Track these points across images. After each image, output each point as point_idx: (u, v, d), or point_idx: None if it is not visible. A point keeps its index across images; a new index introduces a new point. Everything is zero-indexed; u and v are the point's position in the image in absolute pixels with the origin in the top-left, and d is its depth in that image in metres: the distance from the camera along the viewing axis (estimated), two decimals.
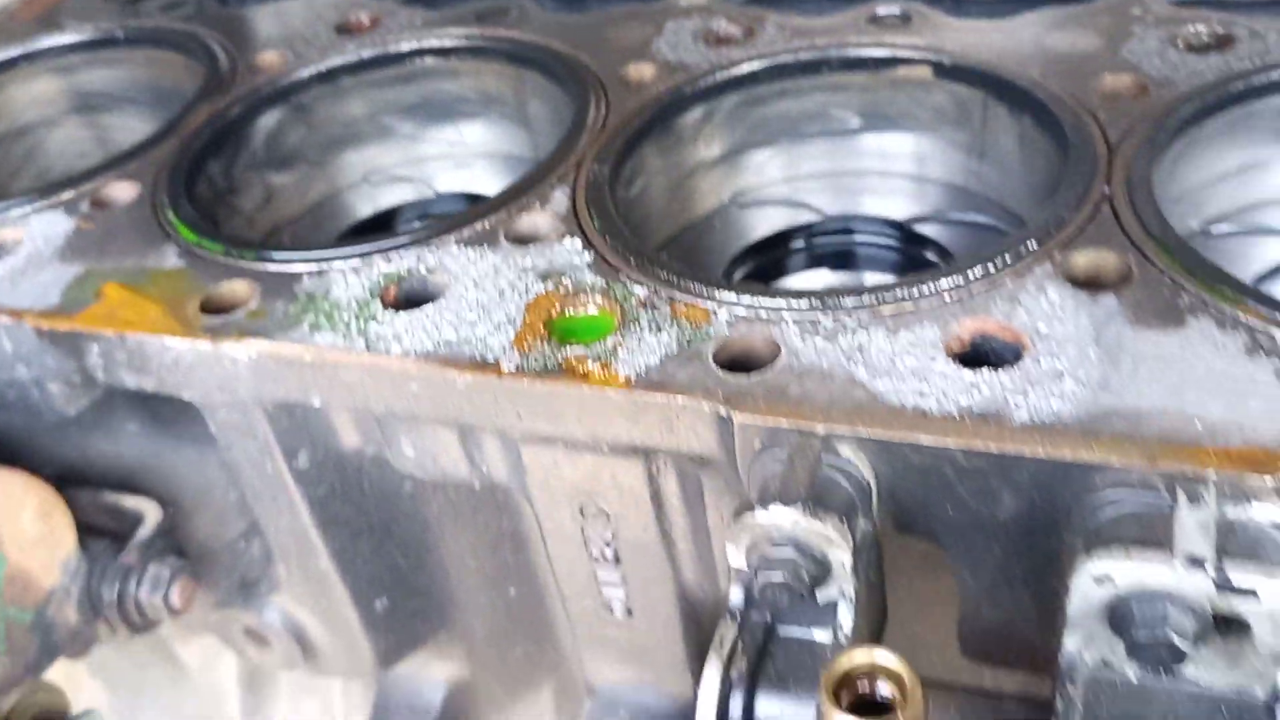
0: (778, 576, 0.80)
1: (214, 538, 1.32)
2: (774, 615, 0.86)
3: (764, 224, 1.31)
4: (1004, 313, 0.90)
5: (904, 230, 1.27)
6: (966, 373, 0.86)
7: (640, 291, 1.00)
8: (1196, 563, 0.70)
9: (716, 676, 0.83)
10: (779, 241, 1.30)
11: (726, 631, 0.84)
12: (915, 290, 0.93)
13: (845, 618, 0.83)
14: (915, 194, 1.29)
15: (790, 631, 0.85)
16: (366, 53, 1.48)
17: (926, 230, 1.26)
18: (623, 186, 1.17)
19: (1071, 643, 0.76)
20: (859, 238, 1.29)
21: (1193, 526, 0.72)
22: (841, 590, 0.82)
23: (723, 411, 0.87)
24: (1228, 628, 0.72)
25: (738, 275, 1.29)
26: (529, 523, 1.16)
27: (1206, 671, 0.74)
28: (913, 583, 0.95)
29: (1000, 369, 0.86)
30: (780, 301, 0.95)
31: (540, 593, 1.26)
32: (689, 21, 1.38)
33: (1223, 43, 1.14)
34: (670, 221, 1.28)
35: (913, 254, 1.27)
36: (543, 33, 1.42)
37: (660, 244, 1.27)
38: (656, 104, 1.23)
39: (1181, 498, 0.74)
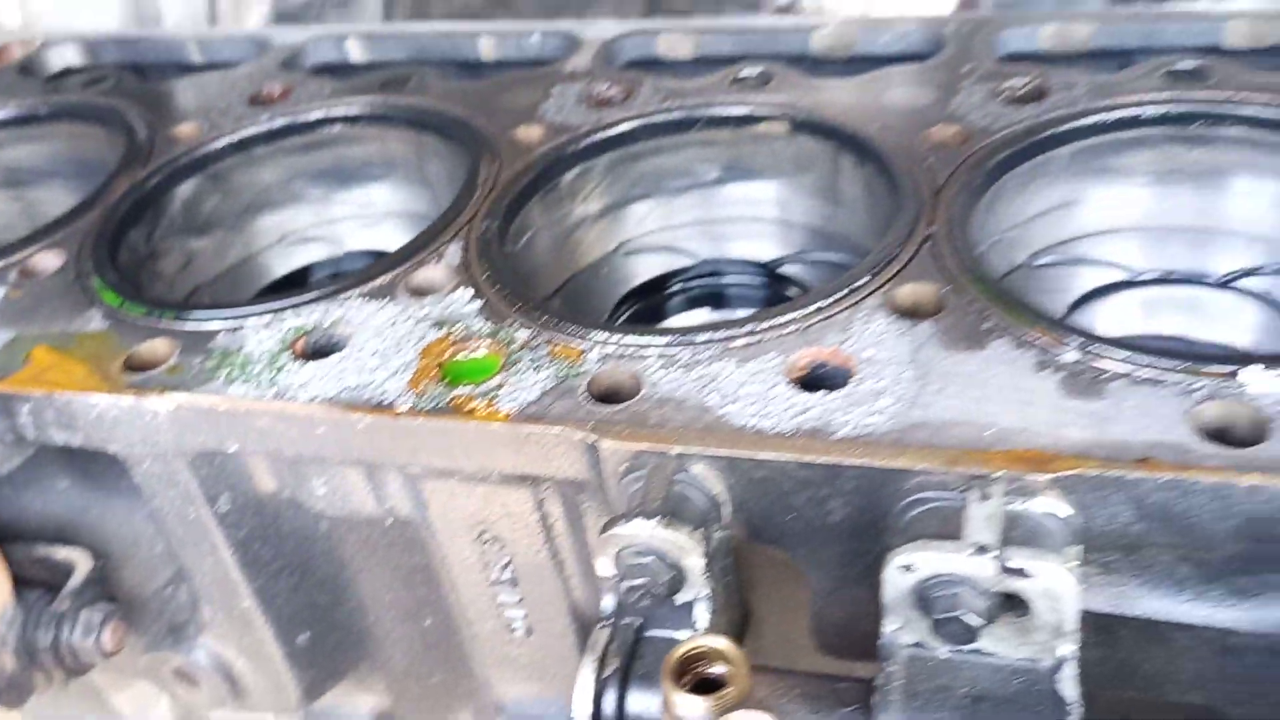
0: (640, 583, 0.92)
1: (143, 585, 1.40)
2: (643, 618, 0.97)
3: (646, 269, 1.43)
4: (836, 341, 1.03)
5: (770, 270, 1.39)
6: (802, 396, 0.98)
7: (523, 335, 1.12)
8: (982, 550, 0.83)
9: (590, 676, 0.93)
10: (660, 285, 1.42)
11: (599, 636, 0.95)
12: (760, 325, 1.05)
13: (702, 617, 0.94)
14: (780, 237, 1.42)
15: (657, 632, 0.96)
16: (278, 122, 1.58)
17: (791, 270, 1.39)
18: (511, 240, 1.29)
19: (889, 626, 0.88)
20: (730, 279, 1.41)
21: (980, 519, 0.84)
22: (697, 592, 0.94)
23: (591, 439, 0.98)
24: (1014, 606, 0.84)
25: (623, 317, 1.41)
26: (437, 555, 1.26)
27: (1000, 645, 0.86)
28: (781, 587, 1.06)
29: (831, 391, 0.98)
30: (643, 339, 1.06)
31: (453, 622, 1.36)
32: (574, 86, 1.50)
33: (1038, 94, 1.29)
34: (561, 269, 1.40)
35: (777, 291, 1.40)
36: (441, 99, 1.54)
37: (553, 290, 1.39)
38: (540, 163, 1.35)
39: (973, 495, 0.86)
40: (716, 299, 1.42)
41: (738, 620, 1.02)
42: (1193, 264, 1.26)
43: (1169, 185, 1.24)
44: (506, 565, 1.18)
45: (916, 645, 0.89)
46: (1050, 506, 0.87)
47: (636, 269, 1.43)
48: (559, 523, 1.11)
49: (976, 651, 0.87)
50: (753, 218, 1.42)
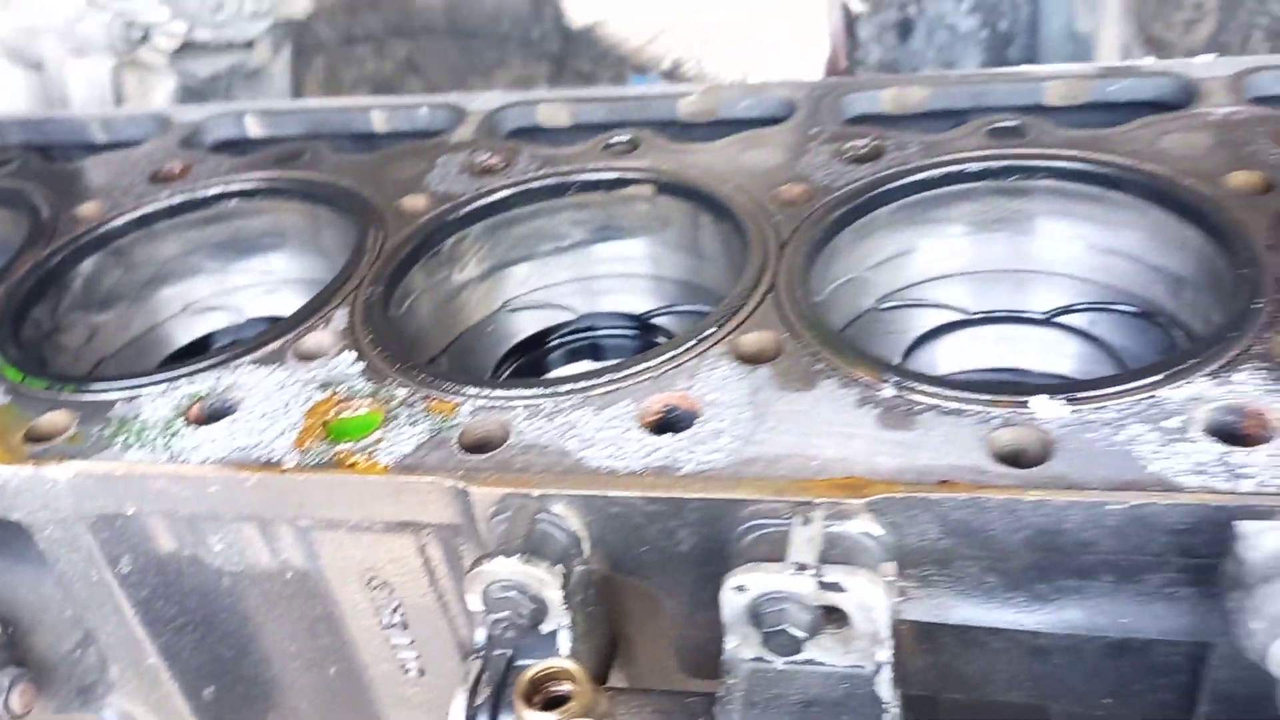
0: (504, 615, 1.00)
1: (52, 648, 1.45)
2: (512, 649, 1.05)
3: (528, 326, 1.53)
4: (685, 387, 1.13)
5: (643, 323, 1.50)
6: (652, 438, 1.08)
7: (402, 393, 1.20)
8: (802, 568, 0.92)
9: (462, 706, 1.01)
10: (541, 340, 1.52)
11: (471, 667, 1.03)
12: (617, 375, 1.15)
13: (564, 645, 1.03)
14: (653, 291, 1.52)
15: (526, 662, 1.04)
16: (178, 198, 1.66)
17: (662, 321, 1.50)
18: (396, 304, 1.38)
19: (729, 643, 0.97)
20: (607, 332, 1.52)
21: (802, 541, 0.94)
22: (559, 622, 1.02)
23: (461, 486, 1.07)
24: (836, 618, 0.94)
25: (507, 372, 1.50)
26: (333, 604, 1.33)
27: (826, 654, 0.95)
28: (649, 615, 1.15)
29: (678, 432, 1.08)
30: (512, 392, 1.16)
31: (355, 667, 1.42)
32: (457, 156, 1.60)
33: (876, 154, 1.41)
34: (447, 329, 1.49)
35: (650, 341, 1.50)
36: (333, 172, 1.63)
37: (440, 349, 1.48)
38: (422, 230, 1.44)
39: (797, 520, 0.96)
40: (595, 351, 1.51)
41: (603, 647, 1.11)
42: (1019, 303, 1.38)
43: (993, 233, 1.37)
44: (396, 609, 1.25)
45: (757, 659, 0.98)
46: (866, 527, 0.97)
47: (519, 326, 1.53)
48: (440, 566, 1.19)
49: (810, 662, 0.97)
50: (626, 274, 1.53)
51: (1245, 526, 0.82)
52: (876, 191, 1.33)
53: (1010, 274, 1.37)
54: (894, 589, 0.99)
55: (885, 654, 0.94)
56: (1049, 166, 1.32)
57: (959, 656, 1.05)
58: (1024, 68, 1.54)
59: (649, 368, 1.15)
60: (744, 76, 2.13)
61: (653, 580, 1.08)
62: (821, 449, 1.03)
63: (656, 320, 1.51)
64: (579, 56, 3.74)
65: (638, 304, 1.53)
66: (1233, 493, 0.90)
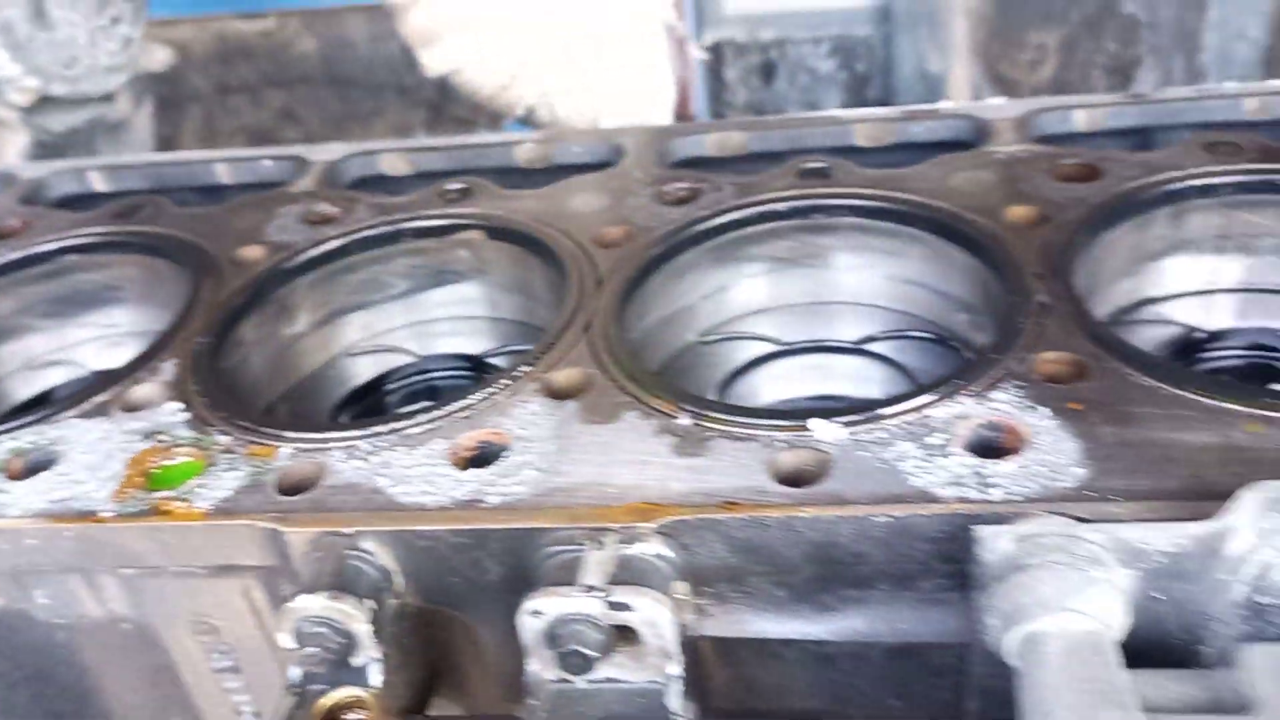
0: (314, 651, 1.03)
1: None
2: (327, 684, 1.08)
3: (368, 370, 1.56)
4: (497, 423, 1.17)
5: (480, 363, 1.54)
6: (462, 473, 1.12)
7: (224, 439, 1.23)
8: (593, 590, 0.97)
9: None
10: (382, 383, 1.56)
11: (283, 704, 1.06)
12: (432, 414, 1.19)
13: (375, 677, 1.06)
14: (489, 331, 1.57)
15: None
16: (15, 255, 1.66)
17: (499, 361, 1.55)
18: (228, 353, 1.40)
19: (532, 666, 1.01)
20: (445, 374, 1.56)
21: (593, 565, 0.99)
22: (370, 656, 1.05)
23: (274, 528, 1.10)
24: (628, 637, 0.99)
25: (347, 416, 1.53)
26: (166, 651, 1.33)
27: (622, 671, 1.00)
28: (473, 645, 1.19)
29: (487, 466, 1.12)
30: (329, 434, 1.19)
31: (198, 716, 1.43)
32: (296, 206, 1.63)
33: (693, 196, 1.48)
34: (285, 376, 1.51)
35: None
36: (173, 225, 1.65)
37: (279, 396, 1.50)
38: (256, 280, 1.47)
39: (591, 545, 1.01)
40: (433, 393, 1.55)
41: (420, 678, 1.14)
42: (830, 333, 1.46)
43: (803, 268, 1.44)
44: (226, 653, 1.26)
45: (561, 680, 1.02)
46: (656, 549, 1.02)
47: (357, 371, 1.56)
48: (265, 608, 1.21)
49: (609, 680, 1.01)
50: (463, 316, 1.57)
51: (982, 531, 0.90)
52: (688, 232, 1.40)
53: (821, 306, 1.45)
54: (687, 607, 1.05)
55: (676, 668, 0.99)
56: (849, 205, 1.41)
57: (758, 669, 1.10)
58: (834, 111, 1.64)
59: (464, 406, 1.20)
60: (595, 121, 2.20)
61: (467, 610, 1.12)
62: (619, 477, 1.08)
63: (493, 360, 1.55)
64: (456, 103, 3.80)
65: (475, 345, 1.57)
66: (983, 501, 0.98)
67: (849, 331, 1.46)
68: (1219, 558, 0.88)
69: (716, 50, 3.67)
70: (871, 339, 1.44)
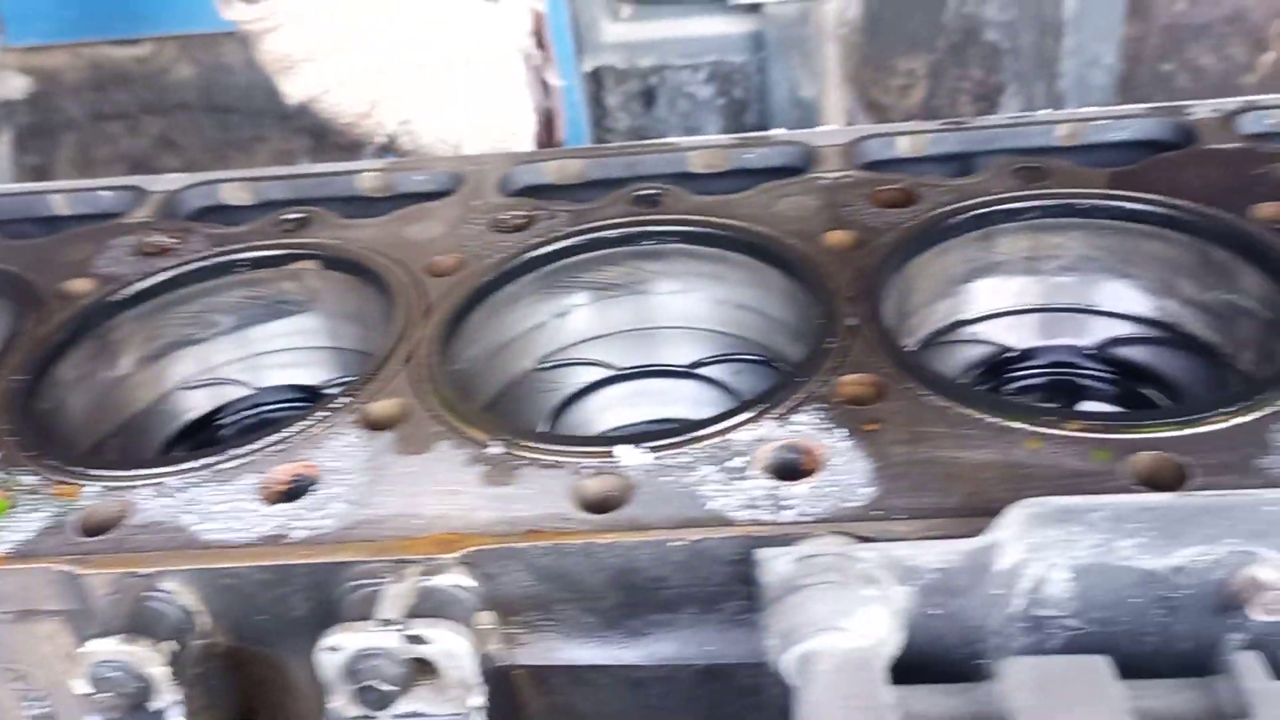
0: (108, 696, 1.00)
1: None
2: None
3: (202, 404, 1.54)
4: (310, 456, 1.16)
5: (317, 394, 1.52)
6: (270, 508, 1.11)
7: (31, 480, 1.19)
8: (390, 624, 0.97)
9: None
10: (215, 417, 1.53)
11: None
12: (244, 448, 1.17)
13: None
14: (330, 362, 1.55)
15: None
16: None
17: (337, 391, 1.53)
18: (47, 391, 1.36)
19: (333, 702, 1.00)
20: (282, 405, 1.53)
21: (391, 598, 0.99)
22: (168, 699, 1.03)
23: (69, 570, 1.07)
24: (428, 670, 0.99)
25: (180, 451, 1.50)
26: None
27: (423, 705, 0.99)
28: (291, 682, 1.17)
29: (296, 500, 1.11)
30: (136, 472, 1.17)
31: None
32: (130, 238, 1.60)
33: (526, 224, 1.49)
34: (115, 412, 1.48)
35: None
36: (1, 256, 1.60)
37: (109, 433, 1.46)
38: (79, 314, 1.44)
39: (390, 578, 1.01)
40: (266, 426, 1.52)
41: (229, 718, 1.12)
42: (663, 357, 1.48)
43: (634, 293, 1.46)
44: (40, 700, 1.22)
45: (365, 717, 1.01)
46: (458, 580, 1.02)
47: (191, 404, 1.53)
48: (73, 653, 1.17)
49: (413, 714, 1.01)
50: (302, 347, 1.55)
51: (761, 553, 0.91)
52: (518, 260, 1.40)
53: (653, 331, 1.47)
54: (492, 637, 1.05)
55: (478, 699, 0.99)
56: (676, 231, 1.43)
57: (572, 696, 1.11)
58: (670, 139, 1.66)
59: (278, 440, 1.18)
60: (457, 149, 2.20)
61: (278, 648, 1.10)
62: (427, 507, 1.08)
63: (331, 391, 1.53)
64: (338, 131, 3.76)
65: (313, 376, 1.56)
66: (774, 523, 0.99)
67: (680, 355, 1.47)
68: (989, 573, 0.91)
69: (597, 77, 3.69)
70: (702, 363, 1.46)
